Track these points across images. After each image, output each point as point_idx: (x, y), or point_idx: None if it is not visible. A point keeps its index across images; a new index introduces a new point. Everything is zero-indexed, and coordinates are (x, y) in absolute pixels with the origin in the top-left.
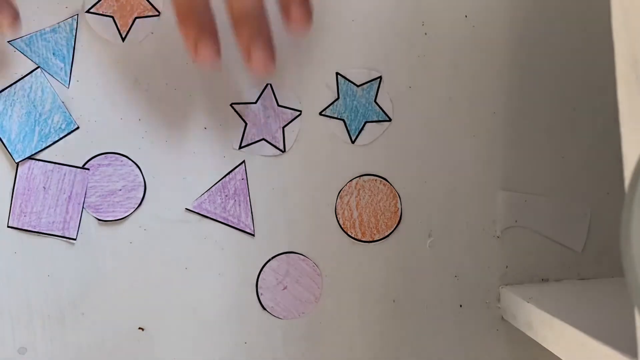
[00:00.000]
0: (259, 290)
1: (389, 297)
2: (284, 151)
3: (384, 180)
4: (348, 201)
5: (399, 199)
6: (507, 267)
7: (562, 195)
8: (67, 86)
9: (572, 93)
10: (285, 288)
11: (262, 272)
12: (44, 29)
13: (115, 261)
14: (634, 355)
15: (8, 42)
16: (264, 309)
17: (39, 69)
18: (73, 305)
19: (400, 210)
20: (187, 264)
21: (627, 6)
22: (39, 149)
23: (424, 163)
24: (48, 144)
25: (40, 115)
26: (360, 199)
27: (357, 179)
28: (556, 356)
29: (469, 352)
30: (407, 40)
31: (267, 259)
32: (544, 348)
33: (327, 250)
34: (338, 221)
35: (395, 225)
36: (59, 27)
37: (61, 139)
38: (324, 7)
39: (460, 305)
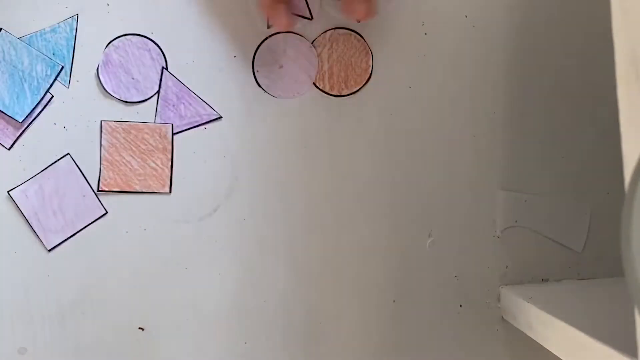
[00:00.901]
0: (254, 68)
1: (389, 297)
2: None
3: (358, 36)
4: (320, 53)
5: (371, 56)
6: (507, 267)
7: (562, 195)
8: (67, 86)
9: (572, 93)
10: (281, 67)
11: (258, 50)
12: (44, 29)
13: (116, 261)
14: (634, 355)
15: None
16: (259, 86)
17: (2, 30)
18: (73, 305)
19: (371, 68)
20: (187, 264)
21: (627, 6)
22: (36, 103)
23: (424, 163)
24: (42, 95)
25: (23, 72)
26: (332, 52)
27: (332, 31)
28: (556, 356)
29: (469, 352)
30: (407, 40)
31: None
32: (544, 348)
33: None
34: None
35: (365, 82)
36: (59, 27)
37: (52, 84)
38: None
39: (460, 305)
